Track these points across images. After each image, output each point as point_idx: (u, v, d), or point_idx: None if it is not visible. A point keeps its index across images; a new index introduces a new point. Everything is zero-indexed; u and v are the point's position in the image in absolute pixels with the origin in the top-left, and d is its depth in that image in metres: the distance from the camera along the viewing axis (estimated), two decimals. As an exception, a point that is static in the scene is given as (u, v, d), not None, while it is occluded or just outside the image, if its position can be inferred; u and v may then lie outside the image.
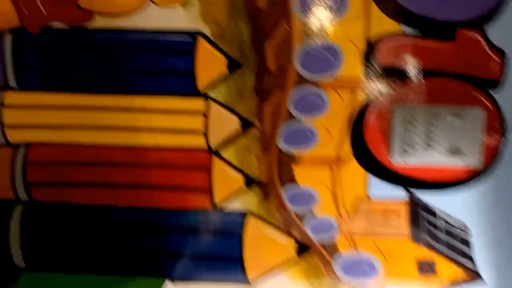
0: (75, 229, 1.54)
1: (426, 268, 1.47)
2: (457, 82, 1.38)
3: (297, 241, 1.50)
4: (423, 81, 1.39)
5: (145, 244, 1.54)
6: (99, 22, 1.44)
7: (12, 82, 1.50)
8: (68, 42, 1.47)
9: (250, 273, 1.53)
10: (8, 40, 1.48)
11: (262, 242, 1.50)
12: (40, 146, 1.52)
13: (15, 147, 1.53)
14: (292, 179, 1.47)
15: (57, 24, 1.47)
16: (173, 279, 1.56)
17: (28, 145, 1.53)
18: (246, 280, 1.54)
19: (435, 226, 1.45)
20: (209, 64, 1.43)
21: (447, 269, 1.46)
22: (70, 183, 1.52)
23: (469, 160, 1.36)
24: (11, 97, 1.51)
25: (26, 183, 1.53)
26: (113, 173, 1.51)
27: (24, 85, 1.50)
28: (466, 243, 1.44)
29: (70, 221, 1.54)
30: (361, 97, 1.42)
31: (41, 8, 1.45)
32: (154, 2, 1.42)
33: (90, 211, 1.53)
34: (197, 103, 1.47)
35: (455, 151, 1.36)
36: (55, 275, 1.57)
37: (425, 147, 1.37)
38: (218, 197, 1.50)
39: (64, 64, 1.48)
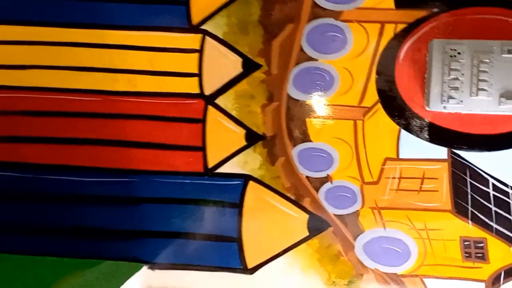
0: (33, 197, 1.26)
1: (474, 250, 1.17)
2: (509, 11, 1.15)
3: (309, 214, 1.23)
4: (466, 11, 1.15)
5: (118, 219, 1.25)
6: None
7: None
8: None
9: (249, 258, 1.24)
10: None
11: (265, 215, 1.22)
12: (-6, 90, 1.26)
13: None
14: (304, 135, 1.22)
15: None
16: (152, 264, 1.26)
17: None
18: (244, 267, 1.25)
19: (484, 196, 1.17)
20: (206, -9, 1.20)
21: (500, 251, 1.18)
22: (28, 138, 1.27)
23: (528, 106, 1.10)
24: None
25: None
26: (80, 126, 1.27)
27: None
28: (525, 217, 1.17)
29: (26, 186, 1.26)
30: (391, 31, 1.17)
31: None
32: None
33: (48, 174, 1.25)
34: (189, 39, 1.24)
35: (510, 95, 1.11)
36: (6, 256, 1.27)
37: (472, 90, 1.12)
38: (212, 157, 1.23)
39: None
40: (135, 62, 1.23)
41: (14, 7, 1.25)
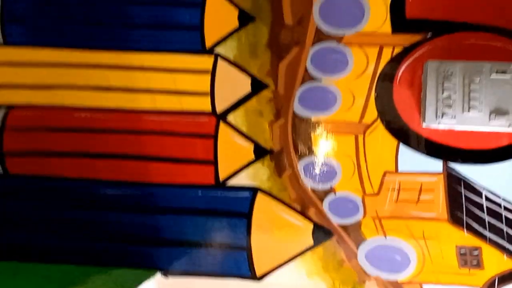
0: (55, 208, 1.34)
1: (469, 257, 1.24)
2: (498, 37, 1.24)
3: (314, 224, 1.30)
4: (459, 35, 1.25)
5: (134, 228, 1.33)
6: (99, -28, 1.33)
7: (-3, 36, 1.36)
8: (64, -7, 1.35)
9: (258, 265, 1.31)
10: (-3, -11, 1.36)
11: (273, 225, 1.30)
12: (22, 109, 1.36)
13: (-6, 111, 1.37)
14: (309, 150, 1.30)
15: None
16: (166, 271, 1.33)
17: (8, 108, 1.36)
18: (253, 275, 1.31)
19: (478, 206, 1.25)
20: (218, 17, 1.31)
21: (494, 259, 1.25)
22: (53, 152, 1.36)
23: (516, 122, 1.19)
24: (-6, 54, 1.37)
25: (1, 152, 1.35)
26: (102, 141, 1.35)
27: (10, 39, 1.36)
28: (517, 225, 1.24)
29: (49, 198, 1.34)
30: (388, 54, 1.27)
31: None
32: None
33: (73, 187, 1.33)
34: (203, 61, 1.33)
35: (499, 112, 1.19)
36: (29, 264, 1.34)
37: (464, 107, 1.21)
38: (223, 170, 1.31)
39: (56, 15, 1.36)
40: (155, 82, 1.33)
41: (44, 31, 1.35)
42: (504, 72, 1.22)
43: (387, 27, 1.28)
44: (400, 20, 1.27)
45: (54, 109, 1.35)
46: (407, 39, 1.27)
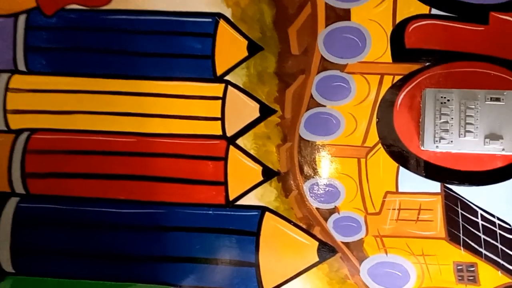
0: (73, 226, 1.41)
1: (466, 273, 1.32)
2: (492, 66, 1.33)
3: (319, 241, 1.38)
4: (455, 64, 1.33)
5: (148, 246, 1.40)
6: (117, 4, 1.42)
7: (21, 65, 1.44)
8: (83, 24, 1.45)
9: (266, 281, 1.38)
10: (21, 21, 1.44)
11: (280, 242, 1.37)
12: (43, 133, 1.44)
13: (16, 134, 1.44)
14: (314, 172, 1.37)
15: (73, 6, 1.44)
16: (178, 287, 1.40)
17: (30, 133, 1.44)
18: (261, 289, 1.39)
19: (474, 225, 1.32)
20: (229, 47, 1.39)
21: (489, 274, 1.32)
22: (71, 174, 1.44)
23: (509, 146, 1.26)
24: (17, 81, 1.46)
25: (23, 174, 1.43)
26: (116, 164, 1.43)
27: (33, 68, 1.45)
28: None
29: (67, 217, 1.42)
30: (389, 82, 1.35)
31: (58, -11, 1.43)
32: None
33: (89, 206, 1.41)
34: (214, 88, 1.41)
35: (493, 137, 1.27)
36: (46, 279, 1.42)
37: (460, 132, 1.29)
38: (233, 191, 1.39)
39: (77, 47, 1.44)
40: (167, 107, 1.41)
41: (63, 61, 1.44)
42: (497, 99, 1.31)
43: (388, 57, 1.36)
44: (399, 50, 1.35)
45: (72, 133, 1.43)
46: (407, 68, 1.36)
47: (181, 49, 1.42)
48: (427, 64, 1.35)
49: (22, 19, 1.45)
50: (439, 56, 1.35)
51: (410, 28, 1.36)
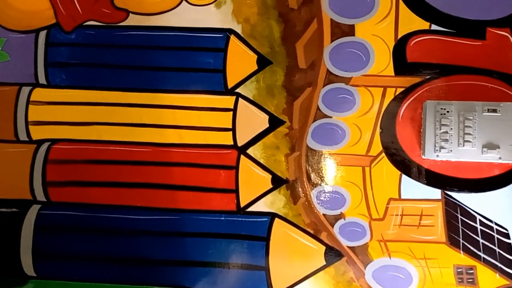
0: (92, 232, 1.49)
1: (465, 276, 1.39)
2: (489, 79, 1.41)
3: (326, 246, 1.45)
4: (454, 78, 1.41)
5: (164, 251, 1.48)
6: (132, 21, 1.50)
7: (42, 79, 1.53)
8: (100, 40, 1.53)
9: (276, 284, 1.46)
10: (42, 37, 1.53)
11: (288, 247, 1.45)
12: (63, 143, 1.52)
13: (37, 145, 1.53)
14: (321, 179, 1.45)
15: (91, 22, 1.52)
16: (191, 290, 1.48)
17: (50, 144, 1.52)
18: (271, 292, 1.47)
19: (473, 230, 1.40)
20: (239, 62, 1.48)
21: (488, 277, 1.40)
22: (90, 182, 1.52)
23: (506, 155, 1.34)
24: (38, 94, 1.54)
25: (44, 182, 1.51)
26: (134, 173, 1.51)
27: (53, 82, 1.53)
28: (509, 248, 1.38)
29: (87, 223, 1.50)
30: (392, 94, 1.43)
31: (77, 7, 1.52)
32: (188, 1, 1.48)
33: (109, 213, 1.49)
34: (225, 100, 1.49)
35: (491, 146, 1.35)
36: (67, 283, 1.50)
37: (459, 141, 1.37)
38: (244, 198, 1.47)
39: (95, 61, 1.53)
40: (182, 119, 1.49)
41: (83, 75, 1.53)
42: (494, 110, 1.39)
43: (390, 70, 1.44)
44: (401, 64, 1.44)
45: (92, 143, 1.52)
46: (408, 81, 1.44)
47: (194, 64, 1.51)
48: (428, 77, 1.43)
49: (42, 35, 1.54)
50: (439, 70, 1.43)
51: (411, 43, 1.44)
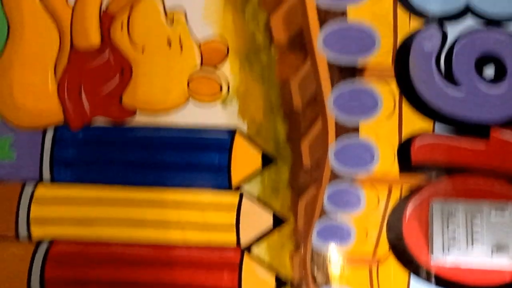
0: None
1: None
2: (494, 179, 1.41)
3: None
4: (459, 178, 1.42)
5: None
6: (139, 119, 1.54)
7: (46, 175, 1.54)
8: (107, 139, 1.55)
9: None
10: (49, 135, 1.56)
11: None
12: (63, 242, 1.51)
13: (37, 242, 1.52)
14: (327, 280, 1.42)
15: (99, 120, 1.56)
16: None
17: (51, 241, 1.51)
18: None
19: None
20: (244, 159, 1.49)
21: None
22: (90, 281, 1.48)
23: (517, 258, 1.32)
24: (41, 191, 1.54)
25: (42, 280, 1.48)
26: (137, 273, 1.49)
27: (58, 179, 1.54)
28: None
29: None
30: (397, 193, 1.43)
31: (86, 106, 1.55)
32: (195, 99, 1.52)
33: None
34: (229, 198, 1.49)
35: (500, 248, 1.33)
36: None
37: (468, 243, 1.35)
38: (247, 299, 1.44)
39: (100, 159, 1.55)
40: (186, 216, 1.49)
41: (87, 171, 1.54)
42: (502, 210, 1.38)
43: (395, 170, 1.45)
44: (406, 164, 1.45)
45: (93, 243, 1.51)
46: (413, 180, 1.44)
47: (199, 161, 1.53)
48: (433, 177, 1.44)
49: (50, 133, 1.57)
50: (444, 170, 1.44)
51: (416, 146, 1.46)
